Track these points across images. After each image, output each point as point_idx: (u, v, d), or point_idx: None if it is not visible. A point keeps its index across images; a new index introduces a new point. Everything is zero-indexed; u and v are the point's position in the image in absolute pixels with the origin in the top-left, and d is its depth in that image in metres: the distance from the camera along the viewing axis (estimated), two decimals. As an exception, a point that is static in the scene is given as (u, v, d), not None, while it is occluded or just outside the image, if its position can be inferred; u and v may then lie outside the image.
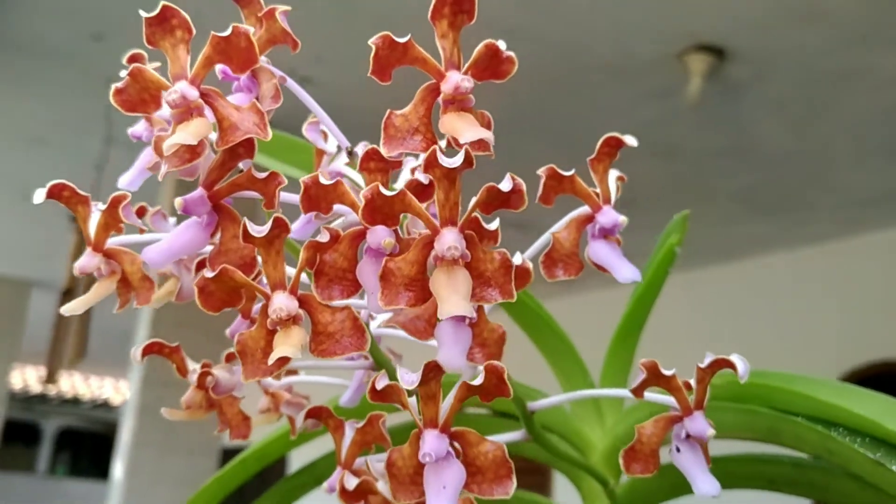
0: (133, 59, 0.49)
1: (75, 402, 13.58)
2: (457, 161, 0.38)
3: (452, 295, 0.39)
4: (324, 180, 0.41)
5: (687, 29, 3.22)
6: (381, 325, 0.50)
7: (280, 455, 0.70)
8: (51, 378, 4.93)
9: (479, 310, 0.46)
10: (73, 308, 0.43)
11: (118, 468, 4.63)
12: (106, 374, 13.56)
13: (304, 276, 0.43)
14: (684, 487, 0.63)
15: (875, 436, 0.53)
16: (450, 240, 0.40)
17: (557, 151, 3.94)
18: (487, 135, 0.41)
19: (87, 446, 14.67)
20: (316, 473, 0.71)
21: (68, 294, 4.69)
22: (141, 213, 0.51)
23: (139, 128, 0.49)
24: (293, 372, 0.59)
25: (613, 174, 0.50)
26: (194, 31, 0.41)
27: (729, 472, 0.63)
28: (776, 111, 3.70)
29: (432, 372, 0.41)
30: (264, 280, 0.42)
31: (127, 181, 0.47)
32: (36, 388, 12.61)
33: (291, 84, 0.45)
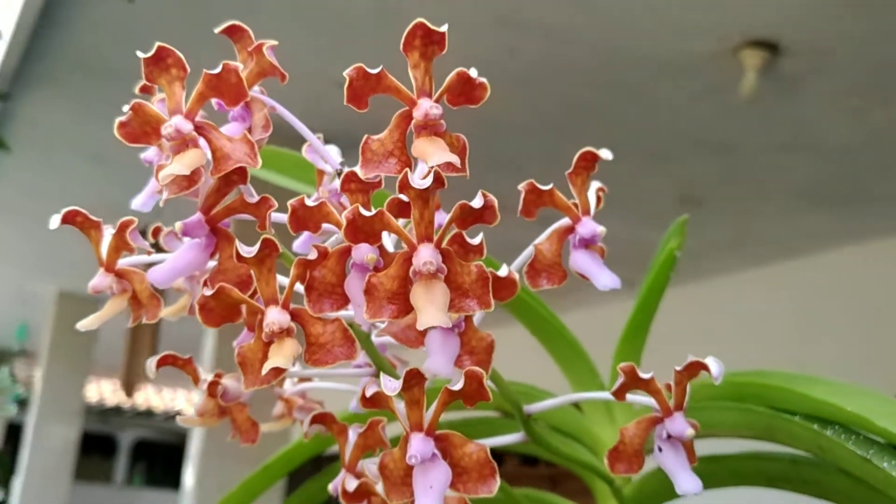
0: (144, 89, 0.53)
1: (149, 414, 13.95)
2: (427, 182, 0.41)
3: (429, 307, 0.42)
4: (309, 202, 0.45)
5: (739, 24, 3.19)
6: (377, 334, 0.52)
7: (304, 460, 0.74)
8: (128, 392, 5.09)
9: (468, 320, 0.49)
10: (87, 324, 0.47)
11: (189, 477, 4.75)
12: (178, 385, 13.90)
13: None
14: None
15: (867, 433, 0.54)
16: (425, 255, 0.43)
17: (613, 152, 3.93)
18: (454, 158, 0.43)
19: (162, 457, 15.04)
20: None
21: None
22: (156, 233, 0.55)
23: (150, 153, 0.53)
24: (307, 379, 0.62)
25: (594, 186, 0.52)
26: (188, 70, 0.44)
27: (730, 470, 0.65)
28: (835, 103, 3.63)
29: (414, 379, 0.44)
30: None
31: (139, 203, 0.52)
32: (111, 400, 12.99)
33: (281, 111, 0.49)
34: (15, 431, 9.05)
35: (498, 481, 0.45)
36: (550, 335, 0.72)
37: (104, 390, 12.98)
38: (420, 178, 0.42)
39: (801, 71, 3.41)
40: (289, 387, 0.63)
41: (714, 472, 0.67)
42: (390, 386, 0.43)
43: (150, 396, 13.84)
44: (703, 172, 4.28)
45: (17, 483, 6.90)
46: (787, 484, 0.63)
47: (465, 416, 0.77)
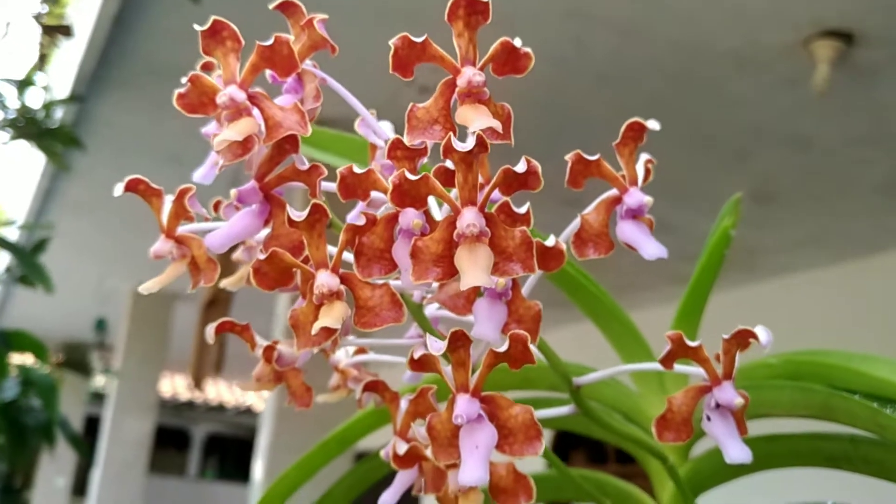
0: (205, 66, 0.55)
1: (221, 408, 14.25)
2: (469, 145, 0.42)
3: (472, 268, 0.43)
4: (357, 169, 0.46)
5: (811, 15, 3.11)
6: (426, 302, 0.53)
7: (361, 437, 0.75)
8: (197, 385, 5.22)
9: (515, 288, 0.50)
10: (149, 287, 0.49)
11: (258, 470, 4.85)
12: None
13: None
14: (747, 468, 0.64)
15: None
16: (469, 218, 0.43)
17: (685, 147, 3.88)
18: (496, 123, 0.44)
19: (233, 451, 15.36)
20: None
21: (212, 304, 4.96)
22: (217, 206, 0.57)
23: (211, 127, 0.55)
24: (363, 350, 0.63)
25: (642, 158, 0.52)
26: (243, 42, 0.46)
27: (788, 451, 0.64)
28: (915, 94, 3.52)
29: (459, 340, 0.45)
30: (312, 261, 0.46)
31: (200, 175, 0.54)
32: (184, 395, 13.32)
33: (332, 83, 0.50)
34: (94, 424, 9.36)
35: (543, 443, 0.46)
36: (603, 315, 0.72)
37: (178, 385, 13.31)
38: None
39: (878, 61, 3.31)
40: (345, 359, 0.64)
41: (772, 453, 0.67)
42: (436, 346, 0.44)
43: (223, 391, 14.15)
44: (778, 167, 4.18)
45: (96, 474, 7.13)
46: (847, 464, 0.62)
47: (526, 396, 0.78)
